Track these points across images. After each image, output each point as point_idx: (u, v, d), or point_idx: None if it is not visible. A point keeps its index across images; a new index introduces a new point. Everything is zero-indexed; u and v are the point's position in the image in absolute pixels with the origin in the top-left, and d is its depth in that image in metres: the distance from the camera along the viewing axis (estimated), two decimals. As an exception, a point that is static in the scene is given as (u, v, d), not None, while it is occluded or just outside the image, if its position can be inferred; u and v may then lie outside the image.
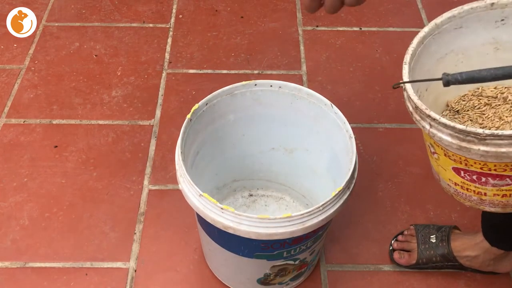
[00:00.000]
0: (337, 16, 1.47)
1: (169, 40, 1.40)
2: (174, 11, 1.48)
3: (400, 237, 0.99)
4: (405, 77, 0.64)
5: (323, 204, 0.68)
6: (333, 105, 0.80)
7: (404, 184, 1.10)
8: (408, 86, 0.63)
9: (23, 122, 1.20)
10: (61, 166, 1.12)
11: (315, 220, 0.68)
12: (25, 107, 1.23)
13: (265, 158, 0.96)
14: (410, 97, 0.62)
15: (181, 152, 0.73)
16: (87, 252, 0.98)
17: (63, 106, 1.23)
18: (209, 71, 1.32)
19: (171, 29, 1.43)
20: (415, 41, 0.67)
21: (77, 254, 0.98)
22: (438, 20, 0.68)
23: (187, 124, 0.76)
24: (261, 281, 0.85)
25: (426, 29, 0.67)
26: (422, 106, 0.61)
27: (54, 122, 1.20)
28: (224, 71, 1.32)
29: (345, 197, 0.71)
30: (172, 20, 1.46)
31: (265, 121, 0.88)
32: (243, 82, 0.81)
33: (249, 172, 1.00)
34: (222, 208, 0.67)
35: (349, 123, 0.77)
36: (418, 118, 0.64)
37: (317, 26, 1.44)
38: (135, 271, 0.96)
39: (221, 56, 1.36)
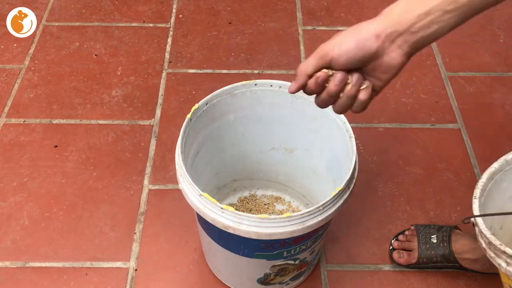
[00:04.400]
0: (337, 16, 1.47)
1: (169, 40, 1.40)
2: (174, 11, 1.48)
3: (400, 237, 0.99)
4: (476, 212, 0.61)
5: (323, 204, 0.68)
6: None
7: (404, 184, 1.10)
8: (479, 221, 0.60)
9: (23, 122, 1.20)
10: (61, 166, 1.12)
11: (315, 220, 0.68)
12: (25, 107, 1.23)
13: (265, 158, 0.96)
14: (482, 232, 0.60)
15: (181, 152, 0.73)
16: (87, 252, 0.98)
17: (63, 106, 1.23)
18: (209, 71, 1.32)
19: (171, 29, 1.43)
20: (485, 176, 0.64)
21: (77, 254, 0.98)
22: (509, 156, 0.65)
23: (187, 124, 0.76)
24: (261, 281, 0.85)
25: (496, 165, 0.65)
26: (496, 242, 0.58)
27: (54, 122, 1.20)
28: (224, 71, 1.32)
29: (345, 197, 0.71)
30: (172, 20, 1.46)
31: (265, 121, 0.88)
32: (243, 82, 0.81)
33: (249, 172, 1.00)
34: (222, 208, 0.67)
35: (349, 123, 0.77)
36: (492, 255, 0.61)
37: (317, 26, 1.44)
38: (135, 270, 0.96)
39: (221, 56, 1.36)
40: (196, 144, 0.83)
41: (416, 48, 0.51)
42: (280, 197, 1.03)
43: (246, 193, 1.03)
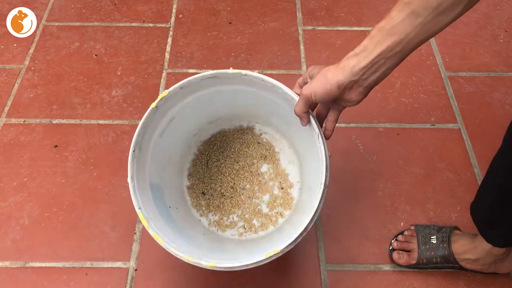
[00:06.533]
0: (337, 16, 1.47)
1: (169, 40, 1.40)
2: (174, 10, 1.48)
3: (400, 237, 0.99)
4: None
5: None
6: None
7: (404, 184, 1.10)
8: None
9: (23, 122, 1.20)
10: (61, 166, 1.12)
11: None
12: (25, 107, 1.23)
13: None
14: None
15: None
16: (87, 252, 0.98)
17: (63, 106, 1.23)
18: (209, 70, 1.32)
19: (171, 28, 1.43)
20: None
21: (77, 254, 0.98)
22: None
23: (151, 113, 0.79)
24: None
25: None
26: None
27: (54, 121, 1.20)
28: (224, 71, 1.32)
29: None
30: (172, 19, 1.46)
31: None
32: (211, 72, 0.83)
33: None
34: None
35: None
36: None
37: (317, 26, 1.44)
38: (135, 270, 0.96)
39: (221, 56, 1.36)
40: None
41: (370, 87, 0.66)
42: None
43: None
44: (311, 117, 0.75)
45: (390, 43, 0.61)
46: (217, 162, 1.00)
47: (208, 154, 1.00)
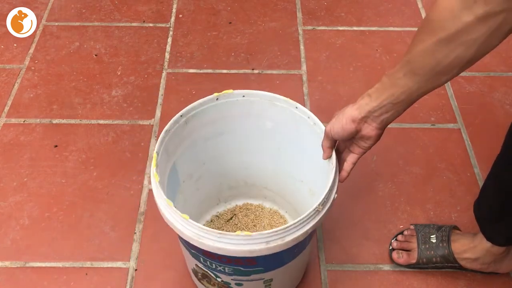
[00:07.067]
0: (337, 16, 1.47)
1: (169, 40, 1.40)
2: (174, 10, 1.48)
3: (400, 237, 0.99)
4: None
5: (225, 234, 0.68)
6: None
7: (404, 184, 1.10)
8: None
9: (23, 122, 1.20)
10: (61, 166, 1.12)
11: (216, 244, 0.67)
12: (25, 107, 1.23)
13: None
14: None
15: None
16: (87, 252, 0.98)
17: (63, 106, 1.23)
18: (209, 70, 1.32)
19: (171, 28, 1.43)
20: None
21: (77, 254, 0.98)
22: None
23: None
24: (193, 272, 0.86)
25: None
26: None
27: (54, 121, 1.20)
28: (224, 71, 1.32)
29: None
30: (172, 19, 1.46)
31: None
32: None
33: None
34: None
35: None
36: None
37: (317, 26, 1.44)
38: (135, 270, 0.96)
39: (221, 55, 1.36)
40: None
41: (385, 124, 0.69)
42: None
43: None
44: (333, 152, 0.76)
45: (395, 91, 0.65)
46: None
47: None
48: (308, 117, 0.81)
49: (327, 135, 0.75)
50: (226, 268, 0.75)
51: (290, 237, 0.67)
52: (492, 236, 0.86)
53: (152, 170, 0.73)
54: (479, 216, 0.88)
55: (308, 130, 0.81)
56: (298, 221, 0.67)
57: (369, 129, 0.70)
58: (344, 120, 0.70)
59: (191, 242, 0.69)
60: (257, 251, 0.66)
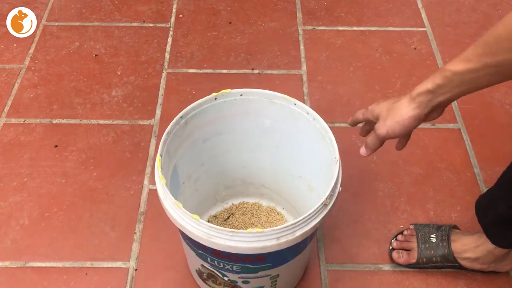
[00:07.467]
0: (337, 16, 1.47)
1: (169, 40, 1.40)
2: (174, 10, 1.48)
3: (400, 237, 0.99)
4: None
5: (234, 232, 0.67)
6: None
7: (404, 184, 1.10)
8: None
9: (23, 122, 1.20)
10: (61, 166, 1.12)
11: (226, 242, 0.67)
12: (25, 107, 1.23)
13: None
14: None
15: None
16: (87, 252, 0.98)
17: (63, 106, 1.23)
18: (209, 70, 1.32)
19: (171, 28, 1.43)
20: None
21: (77, 254, 0.98)
22: None
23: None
24: (197, 273, 0.86)
25: None
26: None
27: (54, 121, 1.20)
28: (224, 71, 1.32)
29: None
30: (172, 19, 1.46)
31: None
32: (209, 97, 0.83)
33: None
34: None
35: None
36: None
37: (317, 26, 1.44)
38: (135, 270, 0.96)
39: (221, 55, 1.36)
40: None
41: (446, 105, 0.71)
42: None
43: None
44: (336, 146, 0.77)
45: (471, 87, 0.67)
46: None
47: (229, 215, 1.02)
48: (307, 113, 0.80)
49: (383, 138, 0.74)
50: (234, 267, 0.75)
51: (299, 232, 0.67)
52: (497, 239, 0.86)
53: (158, 172, 0.72)
54: (482, 220, 0.87)
55: (307, 126, 0.81)
56: (307, 216, 0.68)
57: (434, 115, 0.72)
58: (407, 122, 0.69)
59: (202, 242, 0.68)
60: (269, 247, 0.66)
